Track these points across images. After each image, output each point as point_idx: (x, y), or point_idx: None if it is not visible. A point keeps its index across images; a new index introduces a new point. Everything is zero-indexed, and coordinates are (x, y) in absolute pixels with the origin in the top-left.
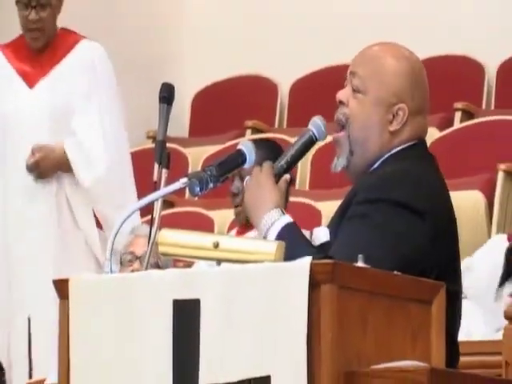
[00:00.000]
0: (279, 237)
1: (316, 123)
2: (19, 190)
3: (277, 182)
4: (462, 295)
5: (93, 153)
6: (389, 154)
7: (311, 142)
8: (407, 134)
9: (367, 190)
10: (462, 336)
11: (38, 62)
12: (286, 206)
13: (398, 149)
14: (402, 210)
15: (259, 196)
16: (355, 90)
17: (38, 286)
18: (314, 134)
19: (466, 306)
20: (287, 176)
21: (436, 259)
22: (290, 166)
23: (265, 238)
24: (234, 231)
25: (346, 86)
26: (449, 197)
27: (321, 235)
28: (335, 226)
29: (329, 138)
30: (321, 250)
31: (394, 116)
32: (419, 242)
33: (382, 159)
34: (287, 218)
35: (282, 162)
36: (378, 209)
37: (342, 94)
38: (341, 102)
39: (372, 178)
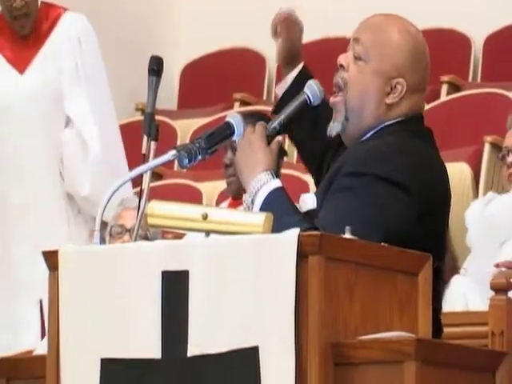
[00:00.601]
0: (266, 201)
1: (311, 87)
2: (19, 180)
3: (269, 143)
4: (461, 271)
5: (88, 144)
6: (383, 125)
7: (305, 105)
8: (403, 108)
9: (354, 164)
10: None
11: (24, 46)
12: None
13: (392, 121)
14: (387, 184)
15: (250, 157)
16: (356, 57)
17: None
18: (308, 97)
19: (463, 281)
20: (280, 138)
21: (422, 233)
22: (283, 128)
23: (253, 201)
24: (226, 202)
25: (348, 51)
26: (441, 172)
27: (308, 202)
28: (322, 195)
29: None
30: (307, 218)
31: (392, 89)
32: (404, 215)
33: (374, 130)
34: (276, 182)
35: (275, 123)
36: (364, 182)
37: (343, 58)
38: (341, 66)
39: (360, 150)
